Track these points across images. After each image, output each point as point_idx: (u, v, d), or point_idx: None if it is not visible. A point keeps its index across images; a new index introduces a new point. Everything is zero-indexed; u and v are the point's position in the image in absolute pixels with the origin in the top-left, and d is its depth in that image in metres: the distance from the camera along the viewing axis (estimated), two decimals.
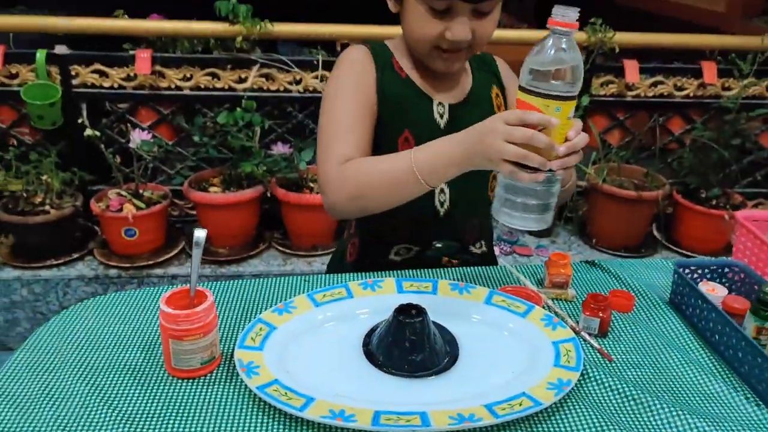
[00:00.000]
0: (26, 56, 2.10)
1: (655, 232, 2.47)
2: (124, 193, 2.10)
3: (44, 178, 2.11)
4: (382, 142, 0.99)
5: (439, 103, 1.02)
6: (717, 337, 0.81)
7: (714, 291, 0.88)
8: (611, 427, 0.68)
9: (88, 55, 2.12)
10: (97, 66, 2.13)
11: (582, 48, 2.30)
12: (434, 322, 0.79)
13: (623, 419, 0.70)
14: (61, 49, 2.10)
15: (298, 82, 2.17)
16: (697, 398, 0.74)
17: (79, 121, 2.14)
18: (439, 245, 1.06)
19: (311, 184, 2.13)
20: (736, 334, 0.77)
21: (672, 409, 0.70)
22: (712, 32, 2.52)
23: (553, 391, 0.69)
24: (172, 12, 2.19)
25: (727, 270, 0.93)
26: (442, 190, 1.03)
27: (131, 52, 2.12)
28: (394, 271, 0.98)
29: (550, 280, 0.93)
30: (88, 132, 2.11)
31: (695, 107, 2.46)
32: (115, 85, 2.15)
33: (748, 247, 0.96)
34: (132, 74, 2.13)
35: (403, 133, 1.00)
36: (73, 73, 2.12)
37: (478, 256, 1.11)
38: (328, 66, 2.15)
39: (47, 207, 2.08)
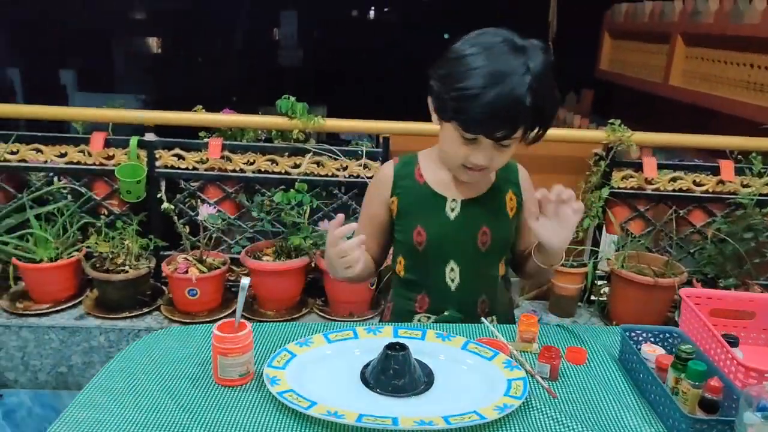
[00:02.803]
0: (121, 142, 2.53)
1: (676, 317, 2.58)
2: (190, 258, 2.44)
3: (126, 242, 2.49)
4: (401, 234, 1.29)
5: (453, 200, 1.26)
6: (645, 385, 1.00)
7: (654, 351, 1.08)
8: None
9: (170, 142, 2.51)
10: (177, 151, 2.53)
11: (602, 145, 2.55)
12: (417, 359, 1.03)
13: None
14: (150, 137, 2.52)
15: (344, 169, 2.50)
16: (618, 428, 0.94)
17: (158, 196, 2.52)
18: (446, 313, 1.29)
19: None
20: (655, 382, 0.96)
21: None
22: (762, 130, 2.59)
23: (497, 412, 0.91)
24: (239, 106, 2.62)
25: (668, 335, 1.12)
26: (452, 269, 1.27)
27: (205, 140, 2.52)
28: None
29: (520, 335, 1.14)
30: (165, 205, 2.49)
31: (715, 201, 2.61)
32: (190, 167, 2.53)
33: (688, 318, 1.16)
34: (204, 158, 2.51)
35: (416, 228, 1.25)
36: (156, 156, 2.53)
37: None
38: (371, 155, 2.49)
39: (127, 267, 2.44)
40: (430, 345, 1.10)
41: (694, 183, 2.60)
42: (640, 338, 1.12)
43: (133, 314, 2.43)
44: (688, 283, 2.54)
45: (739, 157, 2.58)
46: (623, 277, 2.48)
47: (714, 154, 2.72)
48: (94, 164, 2.54)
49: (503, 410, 0.91)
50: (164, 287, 2.61)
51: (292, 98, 2.39)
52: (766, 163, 2.48)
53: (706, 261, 2.57)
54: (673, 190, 2.61)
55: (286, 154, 2.50)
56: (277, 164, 2.50)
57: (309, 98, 2.46)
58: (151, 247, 2.52)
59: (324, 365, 1.05)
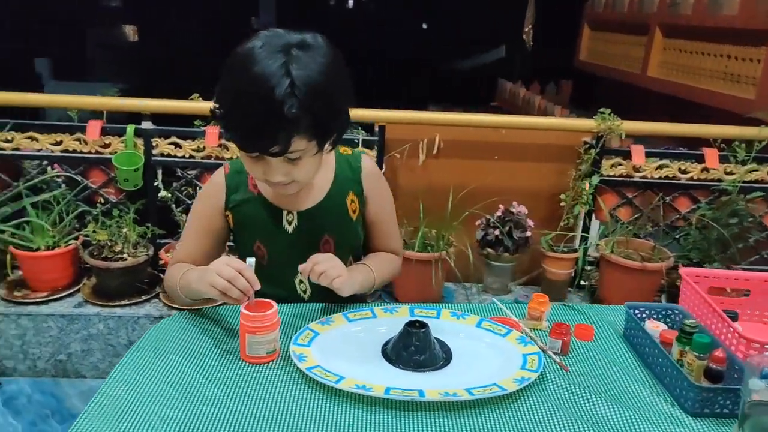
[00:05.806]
0: (117, 130, 2.52)
1: (662, 300, 2.67)
2: None
3: (124, 230, 2.49)
4: (241, 247, 1.25)
5: (288, 212, 1.20)
6: (651, 358, 1.06)
7: (657, 327, 1.14)
8: (559, 411, 0.95)
9: (167, 130, 2.51)
10: (174, 139, 2.53)
11: (592, 134, 2.62)
12: (435, 337, 1.07)
13: (568, 407, 0.96)
14: (146, 125, 2.52)
15: None
16: (628, 398, 1.00)
17: (155, 184, 2.53)
18: None
19: None
20: (662, 355, 1.02)
21: (606, 403, 0.97)
22: (744, 119, 2.62)
23: (516, 384, 0.96)
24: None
25: (670, 312, 1.18)
26: (300, 281, 1.25)
27: (202, 128, 2.52)
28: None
29: (529, 313, 1.20)
30: (162, 193, 2.49)
31: (700, 188, 2.69)
32: (187, 155, 2.55)
33: (688, 296, 1.22)
34: (201, 146, 2.52)
35: (255, 243, 1.21)
36: (153, 144, 2.53)
37: None
38: (367, 143, 2.51)
39: (125, 255, 2.45)
40: (446, 323, 1.15)
41: (680, 171, 2.68)
42: (644, 315, 1.18)
43: (132, 302, 2.44)
44: (674, 268, 2.62)
45: (723, 145, 2.67)
46: (612, 261, 2.55)
47: (692, 143, 2.81)
48: (90, 152, 2.53)
49: (522, 382, 0.96)
50: (161, 275, 2.62)
51: None
52: (749, 152, 2.57)
53: (691, 246, 2.65)
54: (660, 178, 2.68)
55: None
56: None
57: None
58: (149, 235, 2.53)
59: (346, 342, 1.09)
